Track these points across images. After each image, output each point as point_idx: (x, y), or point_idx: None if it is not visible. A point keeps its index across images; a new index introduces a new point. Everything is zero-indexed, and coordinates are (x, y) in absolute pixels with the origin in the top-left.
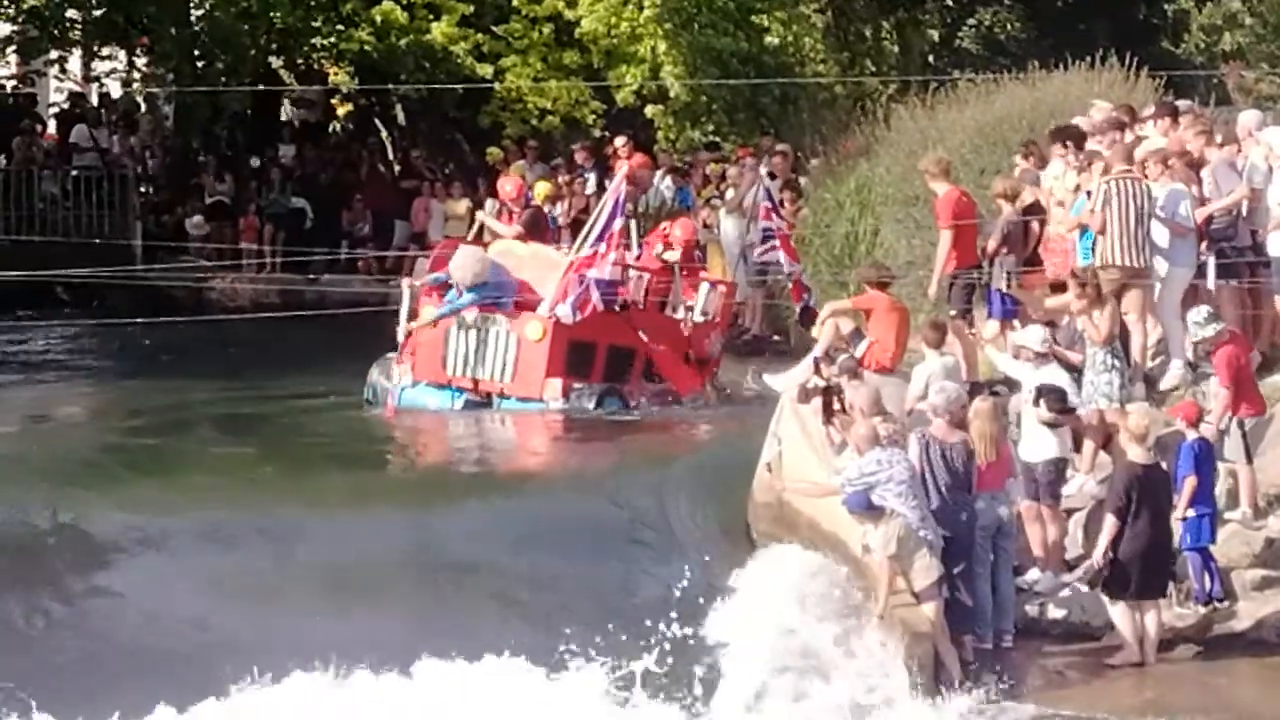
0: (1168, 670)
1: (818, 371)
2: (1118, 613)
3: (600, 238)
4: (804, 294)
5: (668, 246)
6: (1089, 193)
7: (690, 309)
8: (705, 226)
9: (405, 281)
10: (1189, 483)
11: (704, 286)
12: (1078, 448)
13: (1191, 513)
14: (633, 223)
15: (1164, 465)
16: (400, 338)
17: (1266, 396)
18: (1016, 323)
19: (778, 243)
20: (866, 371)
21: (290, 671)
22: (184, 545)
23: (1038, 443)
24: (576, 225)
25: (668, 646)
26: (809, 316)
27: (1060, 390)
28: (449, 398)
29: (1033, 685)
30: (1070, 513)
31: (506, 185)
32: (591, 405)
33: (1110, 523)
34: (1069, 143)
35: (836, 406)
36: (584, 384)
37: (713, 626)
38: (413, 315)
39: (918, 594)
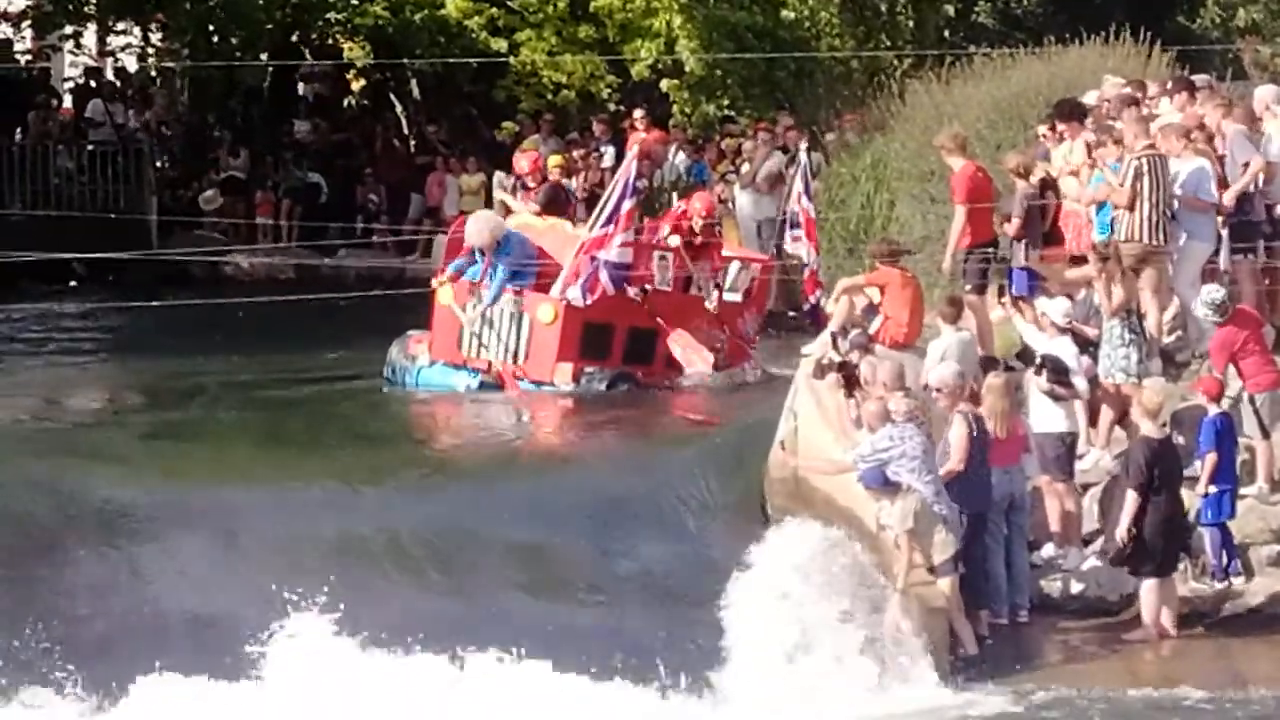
0: (1184, 645)
1: (835, 347)
2: (1144, 588)
3: (610, 219)
4: (817, 289)
5: (675, 230)
6: (1113, 167)
7: (719, 286)
8: (721, 201)
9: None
10: (1210, 458)
11: (734, 264)
12: (1093, 422)
13: (1213, 488)
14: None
15: (1178, 439)
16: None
17: None
18: (1040, 300)
19: (803, 233)
20: (880, 347)
21: (308, 642)
22: (203, 518)
23: (1044, 416)
24: (593, 199)
25: (682, 621)
26: (819, 316)
27: (1061, 362)
28: (465, 378)
29: (1049, 660)
30: (1086, 488)
31: (522, 161)
32: (602, 389)
33: (1132, 498)
34: (1068, 118)
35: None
36: (597, 367)
37: (727, 602)
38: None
39: (933, 569)
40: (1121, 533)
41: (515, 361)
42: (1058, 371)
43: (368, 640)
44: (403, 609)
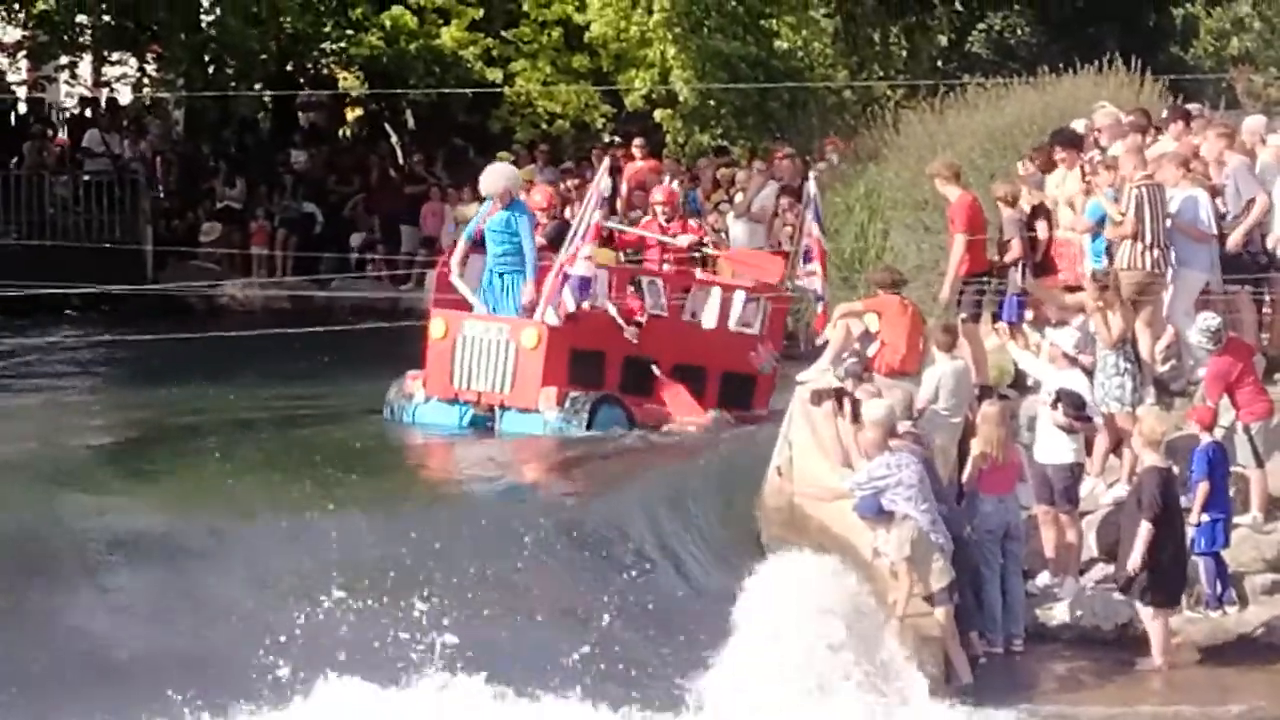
0: (1180, 675)
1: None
2: (1152, 618)
3: (582, 235)
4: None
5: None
6: (1109, 194)
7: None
8: (714, 230)
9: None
10: (1202, 487)
11: (738, 295)
12: (1089, 451)
13: (1205, 517)
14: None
15: (1174, 468)
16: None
17: (1277, 400)
18: (1027, 326)
19: (819, 268)
20: (879, 376)
21: (306, 669)
22: (197, 547)
23: (1053, 446)
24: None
25: (677, 652)
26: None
27: (1079, 396)
28: (457, 414)
29: (1044, 689)
30: (1082, 515)
31: (536, 195)
32: (585, 413)
33: (1147, 529)
34: (1066, 147)
35: (849, 408)
36: (581, 392)
37: (723, 631)
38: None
39: (929, 597)
40: (1136, 563)
41: (502, 391)
42: (1075, 406)
43: (362, 667)
44: (394, 636)
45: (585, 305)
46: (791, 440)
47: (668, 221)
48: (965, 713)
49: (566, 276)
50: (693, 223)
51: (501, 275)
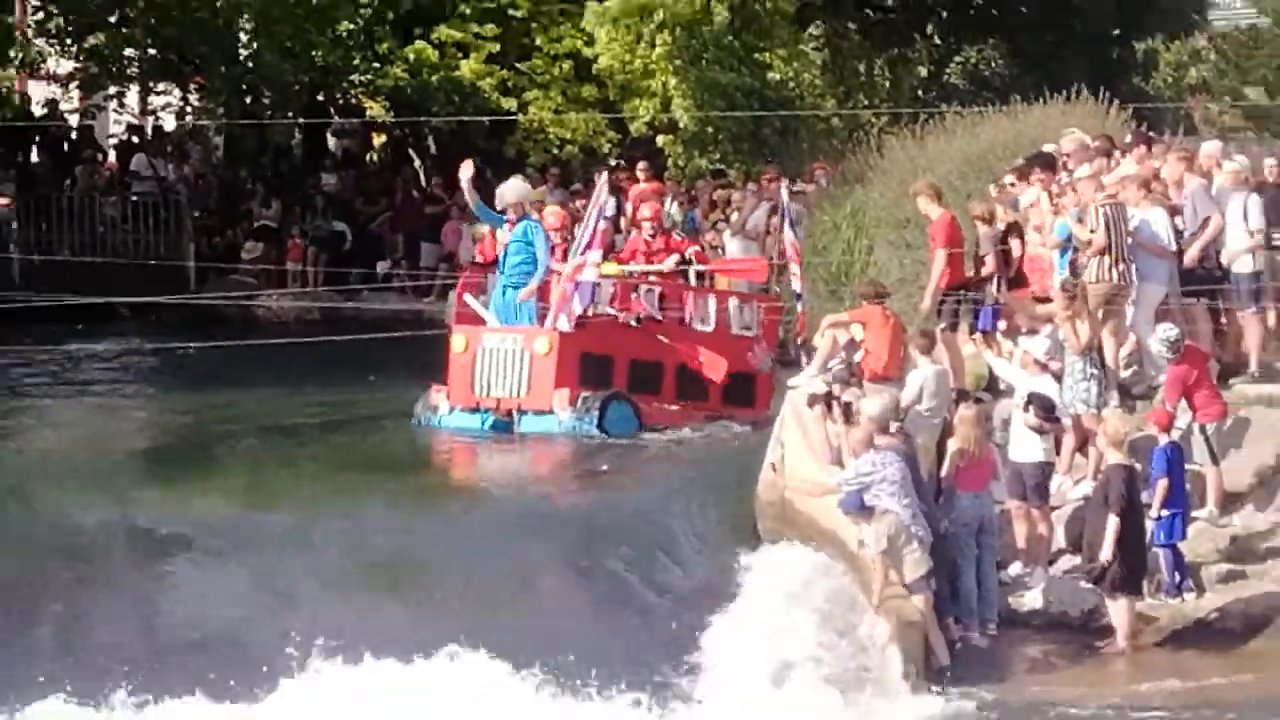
0: (1142, 657)
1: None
2: (1117, 606)
3: (587, 245)
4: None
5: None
6: (1074, 213)
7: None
8: (712, 248)
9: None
10: (1161, 484)
11: (731, 300)
12: (1058, 450)
13: (1165, 512)
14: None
15: (1137, 466)
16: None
17: (1231, 403)
18: (1000, 335)
19: (796, 270)
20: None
21: (339, 656)
22: (237, 541)
23: (1026, 446)
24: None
25: (675, 636)
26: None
27: (1049, 400)
28: (479, 420)
29: (1016, 670)
30: (1051, 509)
31: (551, 217)
32: (596, 410)
33: (1115, 523)
34: (1043, 169)
35: (837, 410)
36: (591, 392)
37: (718, 615)
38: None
39: (908, 586)
40: (1107, 555)
41: (518, 395)
42: (1045, 409)
43: (379, 651)
44: (407, 623)
45: (591, 311)
46: (783, 440)
47: (652, 236)
48: (942, 692)
49: (577, 285)
50: (676, 236)
51: (517, 288)
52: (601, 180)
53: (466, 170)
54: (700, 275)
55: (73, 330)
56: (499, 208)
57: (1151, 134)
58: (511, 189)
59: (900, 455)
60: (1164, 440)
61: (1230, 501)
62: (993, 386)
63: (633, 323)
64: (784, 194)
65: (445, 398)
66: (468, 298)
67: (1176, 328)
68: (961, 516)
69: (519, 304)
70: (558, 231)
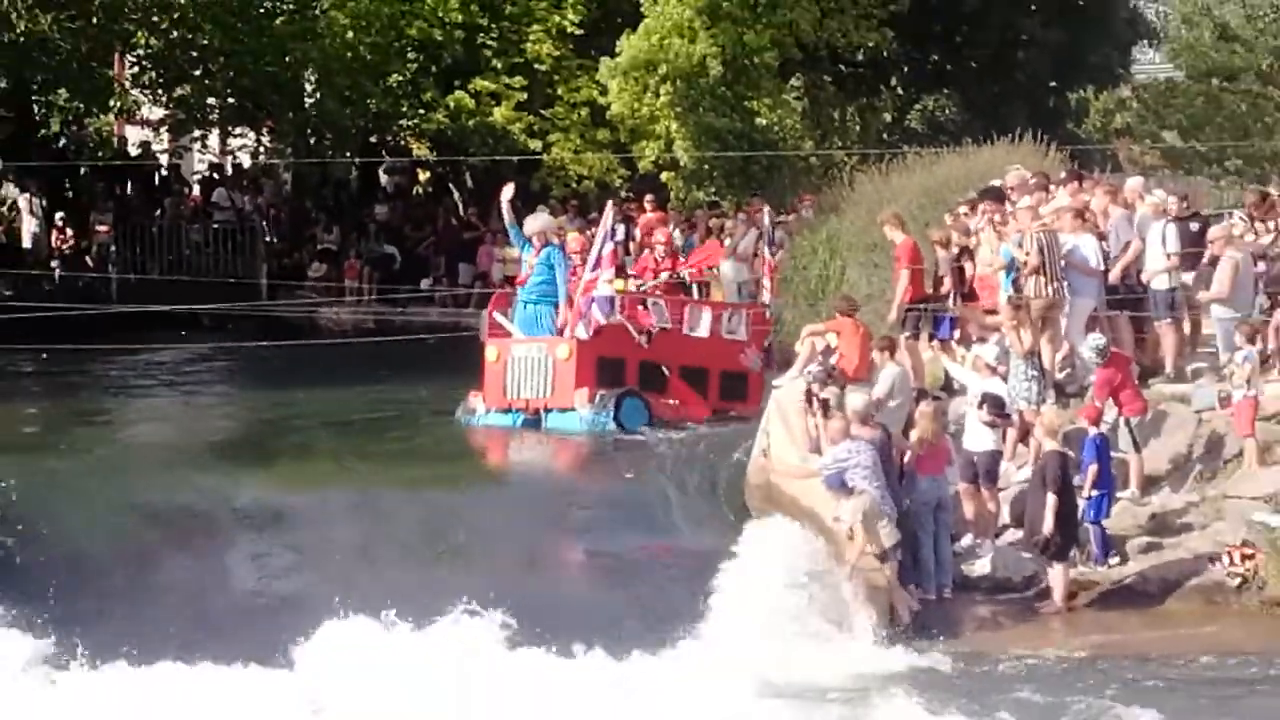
0: (1073, 616)
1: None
2: (1056, 572)
3: (596, 264)
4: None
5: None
6: (1015, 239)
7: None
8: (709, 269)
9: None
10: (1092, 469)
11: (725, 312)
12: (1004, 440)
13: (1095, 492)
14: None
15: (1070, 454)
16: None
17: (1150, 400)
18: (954, 342)
19: (768, 283)
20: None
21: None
22: (306, 517)
23: (978, 437)
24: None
25: (673, 598)
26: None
27: (999, 399)
28: (511, 419)
29: (967, 628)
30: (999, 490)
31: (573, 243)
32: (612, 405)
33: (1053, 501)
34: (989, 201)
35: (817, 404)
36: (607, 390)
37: (712, 581)
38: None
39: (881, 555)
40: (1049, 528)
41: (544, 396)
42: (996, 406)
43: (408, 615)
44: (433, 586)
45: (607, 320)
46: (769, 431)
47: (663, 258)
48: (904, 646)
49: (593, 299)
50: (681, 259)
51: (535, 304)
52: (608, 209)
53: (508, 191)
54: (699, 288)
55: (162, 337)
56: (526, 234)
57: (1083, 172)
58: (534, 221)
59: (874, 444)
60: (1093, 432)
61: (1150, 484)
62: (948, 386)
63: (643, 342)
64: (766, 219)
65: (481, 401)
66: (497, 314)
67: (1104, 336)
68: (921, 496)
69: (540, 316)
70: (578, 254)
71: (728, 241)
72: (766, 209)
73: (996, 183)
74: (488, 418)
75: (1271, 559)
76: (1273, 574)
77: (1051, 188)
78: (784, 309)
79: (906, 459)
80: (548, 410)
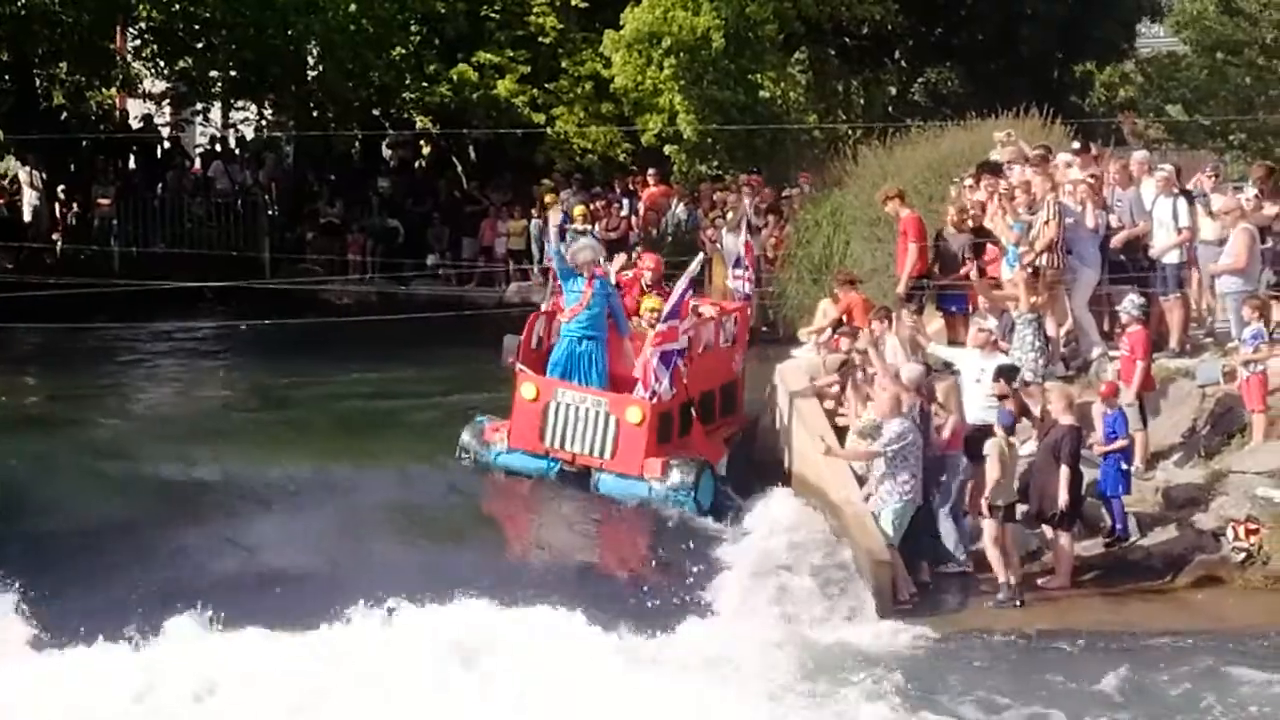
0: (1081, 592)
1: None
2: (1062, 543)
3: (673, 313)
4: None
5: (630, 284)
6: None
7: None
8: (710, 241)
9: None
10: (1120, 443)
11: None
12: None
13: (1125, 466)
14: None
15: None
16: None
17: (1156, 375)
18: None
19: (746, 272)
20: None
21: (371, 586)
22: (297, 494)
23: (977, 413)
24: (617, 242)
25: (689, 569)
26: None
27: (1013, 369)
28: (545, 466)
29: (970, 602)
30: None
31: (576, 208)
32: (692, 485)
33: (1066, 474)
34: (991, 174)
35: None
36: (679, 458)
37: (726, 553)
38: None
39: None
40: (1064, 502)
41: (602, 456)
42: (1010, 376)
43: (406, 594)
44: (439, 562)
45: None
46: (782, 413)
47: (648, 286)
48: (904, 619)
49: (667, 354)
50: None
51: (583, 340)
52: (696, 260)
53: (555, 217)
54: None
55: (164, 311)
56: (571, 264)
57: (1088, 144)
58: (585, 251)
59: (914, 418)
60: (1114, 407)
61: (1154, 459)
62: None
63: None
64: (747, 203)
65: (504, 437)
66: (520, 365)
67: (1142, 297)
68: (957, 473)
69: (593, 357)
70: (652, 271)
71: (729, 215)
72: (747, 199)
73: (994, 156)
74: (510, 458)
75: (1276, 534)
76: (1277, 549)
77: (1053, 160)
78: (788, 284)
79: (945, 435)
80: (600, 470)
